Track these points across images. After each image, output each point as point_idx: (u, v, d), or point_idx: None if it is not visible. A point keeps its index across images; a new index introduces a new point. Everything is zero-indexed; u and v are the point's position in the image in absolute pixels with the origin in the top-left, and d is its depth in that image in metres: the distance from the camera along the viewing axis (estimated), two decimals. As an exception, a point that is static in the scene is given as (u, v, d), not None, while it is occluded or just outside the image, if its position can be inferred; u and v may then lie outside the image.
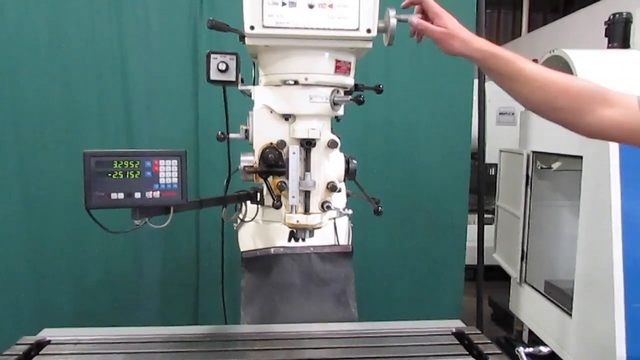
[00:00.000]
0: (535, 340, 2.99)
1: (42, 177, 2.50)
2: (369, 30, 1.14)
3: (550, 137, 2.87)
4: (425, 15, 1.17)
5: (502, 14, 9.25)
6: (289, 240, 1.36)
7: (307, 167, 1.23)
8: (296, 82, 1.20)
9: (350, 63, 1.23)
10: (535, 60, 3.12)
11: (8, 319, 2.47)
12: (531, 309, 3.14)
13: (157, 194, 1.17)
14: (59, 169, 2.47)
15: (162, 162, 1.17)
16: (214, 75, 1.24)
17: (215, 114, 2.40)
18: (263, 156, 1.22)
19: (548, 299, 2.91)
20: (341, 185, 1.36)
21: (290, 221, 1.25)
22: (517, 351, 2.24)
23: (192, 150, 2.58)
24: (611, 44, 2.93)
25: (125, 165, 1.14)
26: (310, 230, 1.28)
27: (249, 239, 1.61)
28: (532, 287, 3.12)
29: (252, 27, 1.12)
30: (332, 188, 1.26)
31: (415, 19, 1.17)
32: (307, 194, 1.24)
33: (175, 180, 1.18)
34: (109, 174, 1.13)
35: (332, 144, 1.25)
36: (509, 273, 3.37)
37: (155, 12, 2.54)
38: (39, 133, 2.48)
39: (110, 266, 2.62)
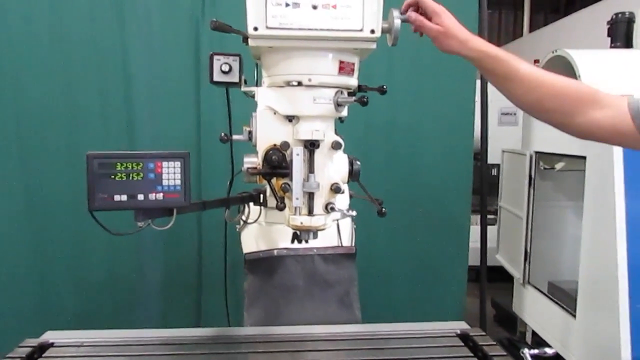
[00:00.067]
0: (538, 342, 2.97)
1: (44, 177, 2.49)
2: (372, 31, 1.13)
3: (553, 137, 2.84)
4: (426, 15, 1.17)
5: (503, 14, 9.23)
6: (292, 241, 1.36)
7: (310, 169, 1.22)
8: (300, 83, 1.19)
9: (354, 64, 1.23)
10: (537, 61, 3.13)
11: (10, 321, 2.46)
12: (534, 310, 3.12)
13: (160, 195, 1.16)
14: (61, 170, 2.47)
15: (165, 163, 1.17)
16: (217, 77, 1.24)
17: (218, 115, 2.40)
18: (266, 158, 1.21)
19: (552, 300, 2.90)
20: (344, 187, 1.35)
21: (294, 223, 1.24)
22: (522, 353, 2.22)
23: (195, 151, 2.57)
24: (614, 44, 2.92)
25: (128, 167, 1.14)
26: (314, 232, 1.27)
27: (251, 240, 1.61)
28: (536, 288, 3.10)
29: (255, 28, 1.11)
30: (336, 189, 1.25)
31: (413, 13, 1.17)
32: (311, 196, 1.23)
33: (178, 182, 1.18)
34: (112, 176, 1.13)
35: (336, 145, 1.24)
36: (512, 274, 3.35)
37: (157, 13, 2.53)
38: (41, 133, 2.48)
39: (112, 268, 2.61)
